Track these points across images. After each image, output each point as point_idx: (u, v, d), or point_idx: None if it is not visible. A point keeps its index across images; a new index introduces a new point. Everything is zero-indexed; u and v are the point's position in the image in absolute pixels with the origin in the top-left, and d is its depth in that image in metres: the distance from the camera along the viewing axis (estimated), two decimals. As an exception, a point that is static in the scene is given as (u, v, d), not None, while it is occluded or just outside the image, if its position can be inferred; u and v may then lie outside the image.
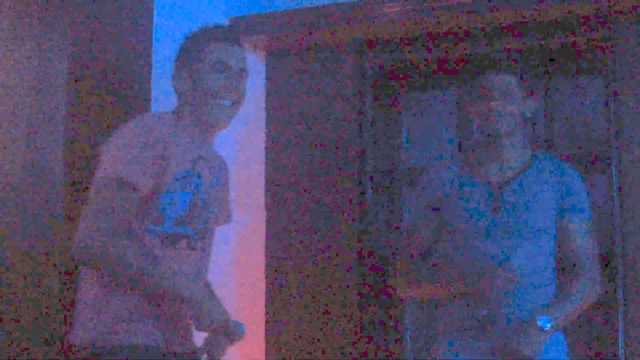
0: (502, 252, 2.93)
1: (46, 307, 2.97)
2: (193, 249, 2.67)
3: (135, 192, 2.51)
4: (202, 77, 2.68)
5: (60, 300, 2.96)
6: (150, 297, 2.56)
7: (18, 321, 2.99)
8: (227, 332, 2.59)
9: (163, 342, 2.59)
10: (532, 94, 3.07)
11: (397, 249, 3.24)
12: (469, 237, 3.00)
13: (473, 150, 3.14)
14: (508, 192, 3.02)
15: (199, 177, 2.66)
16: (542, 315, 2.87)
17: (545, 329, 2.86)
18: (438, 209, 3.08)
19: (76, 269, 2.65)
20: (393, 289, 3.31)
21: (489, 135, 3.03)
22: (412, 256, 3.12)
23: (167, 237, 2.60)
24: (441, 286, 3.03)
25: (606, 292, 3.29)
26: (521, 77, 3.02)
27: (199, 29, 2.76)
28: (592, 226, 3.07)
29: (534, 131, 3.94)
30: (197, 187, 2.65)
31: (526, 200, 3.00)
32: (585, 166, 3.84)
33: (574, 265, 3.01)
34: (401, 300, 3.98)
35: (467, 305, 2.98)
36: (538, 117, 3.87)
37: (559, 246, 3.03)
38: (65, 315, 2.90)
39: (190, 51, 2.72)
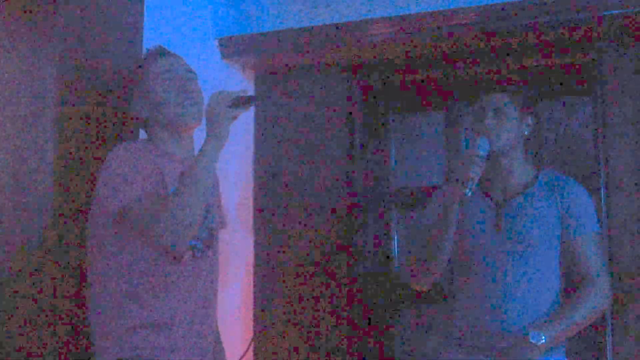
0: (506, 268, 2.95)
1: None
2: (199, 257, 2.70)
3: (155, 195, 2.59)
4: (156, 91, 2.77)
5: (54, 307, 2.95)
6: (172, 312, 2.61)
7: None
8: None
9: (184, 358, 2.63)
10: (530, 112, 3.09)
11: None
12: (471, 254, 3.03)
13: None
14: (510, 209, 3.04)
15: None
16: (535, 331, 2.87)
17: (539, 343, 2.85)
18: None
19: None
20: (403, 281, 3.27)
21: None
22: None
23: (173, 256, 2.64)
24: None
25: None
26: (518, 96, 3.05)
27: (135, 61, 2.92)
28: (600, 238, 3.08)
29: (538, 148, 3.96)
30: None
31: (528, 217, 3.01)
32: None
33: (582, 278, 3.00)
34: (392, 320, 3.98)
35: (468, 319, 3.01)
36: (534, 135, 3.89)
37: (565, 261, 3.03)
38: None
39: (137, 78, 2.83)
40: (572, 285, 3.04)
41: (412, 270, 3.10)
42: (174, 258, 2.63)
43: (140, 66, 2.85)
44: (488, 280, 2.98)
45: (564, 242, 3.02)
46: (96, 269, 2.68)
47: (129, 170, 2.60)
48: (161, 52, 2.86)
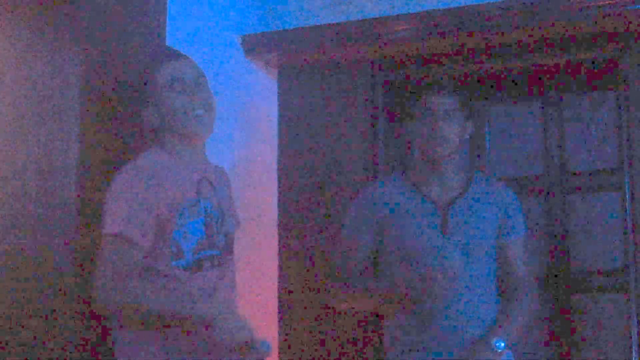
0: (451, 271, 2.90)
1: (59, 312, 2.97)
2: (218, 266, 2.70)
3: (137, 247, 2.55)
4: (165, 100, 2.71)
5: (73, 303, 2.97)
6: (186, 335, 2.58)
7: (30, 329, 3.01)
8: (254, 349, 2.56)
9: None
10: (471, 117, 3.12)
11: (333, 263, 3.21)
12: (418, 255, 2.99)
13: (415, 169, 3.14)
14: (454, 212, 3.04)
15: (204, 198, 2.69)
16: (496, 339, 2.87)
17: (500, 351, 2.87)
18: (377, 224, 3.08)
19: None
20: (327, 302, 3.29)
21: (430, 156, 3.05)
22: (349, 270, 3.10)
23: (191, 268, 2.64)
24: (380, 295, 3.00)
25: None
26: (463, 100, 3.06)
27: (142, 65, 2.82)
28: (526, 239, 3.11)
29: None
30: (206, 209, 2.68)
31: (472, 219, 3.03)
32: (598, 183, 3.85)
33: (514, 281, 3.04)
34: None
35: (413, 320, 2.98)
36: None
37: (498, 263, 3.06)
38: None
39: (145, 85, 2.75)
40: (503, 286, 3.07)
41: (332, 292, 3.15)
42: (197, 270, 2.63)
43: (147, 70, 2.77)
44: (437, 283, 2.87)
45: (499, 244, 3.05)
46: None
47: (128, 199, 2.57)
48: (168, 55, 2.79)
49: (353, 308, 3.37)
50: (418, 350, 2.98)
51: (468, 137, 3.13)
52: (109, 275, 2.51)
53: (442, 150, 3.02)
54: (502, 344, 2.87)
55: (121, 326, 2.64)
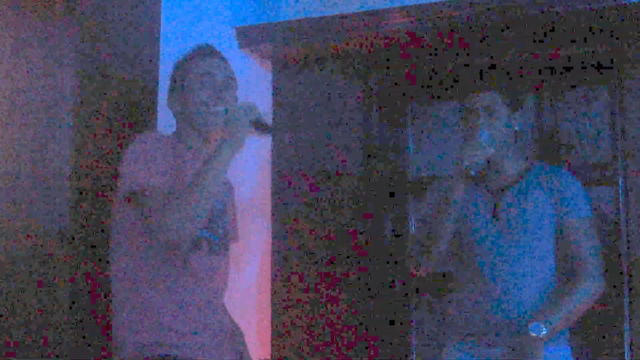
0: (505, 255, 2.99)
1: (55, 314, 2.98)
2: (216, 253, 2.73)
3: (164, 191, 2.58)
4: (192, 91, 2.77)
5: (70, 307, 2.97)
6: (198, 310, 2.63)
7: (25, 327, 3.01)
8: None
9: (209, 356, 2.65)
10: (518, 107, 3.13)
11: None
12: (471, 244, 3.06)
13: None
14: (507, 198, 3.07)
15: None
16: (533, 323, 2.86)
17: (540, 335, 2.85)
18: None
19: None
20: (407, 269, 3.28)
21: None
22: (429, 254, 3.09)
23: (191, 241, 2.66)
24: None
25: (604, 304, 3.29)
26: (506, 93, 3.09)
27: (186, 53, 2.86)
28: (592, 224, 3.07)
29: (535, 142, 3.96)
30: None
31: (524, 205, 3.05)
32: (592, 176, 3.86)
33: (575, 264, 3.01)
34: (408, 308, 3.99)
35: (475, 308, 3.02)
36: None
37: (559, 247, 3.05)
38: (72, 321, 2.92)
39: (178, 73, 2.83)
40: (566, 272, 3.03)
41: (412, 255, 3.13)
42: (194, 246, 2.64)
43: (183, 61, 2.85)
44: (488, 269, 3.01)
45: (558, 226, 3.04)
46: (117, 255, 2.69)
47: (150, 157, 2.61)
48: (207, 52, 2.85)
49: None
50: (473, 336, 3.02)
51: (517, 128, 3.13)
52: (165, 212, 2.51)
53: (490, 146, 3.01)
54: (544, 330, 2.84)
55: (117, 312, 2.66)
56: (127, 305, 2.64)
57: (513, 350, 2.90)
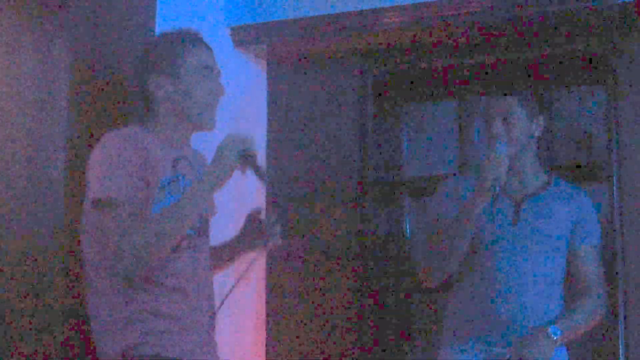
0: (520, 260, 2.99)
1: (49, 313, 2.98)
2: (194, 247, 2.66)
3: (132, 206, 2.49)
4: (191, 83, 2.67)
5: (62, 303, 2.97)
6: (180, 309, 2.57)
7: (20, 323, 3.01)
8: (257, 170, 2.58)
9: (191, 356, 2.58)
10: (540, 112, 3.08)
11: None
12: (489, 245, 3.03)
13: None
14: (529, 206, 3.06)
15: (184, 177, 2.65)
16: (553, 325, 2.91)
17: (555, 338, 2.89)
18: None
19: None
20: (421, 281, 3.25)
21: None
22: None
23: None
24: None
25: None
26: (526, 98, 3.04)
27: (168, 34, 2.75)
28: (600, 250, 3.11)
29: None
30: (185, 188, 2.63)
31: (545, 217, 3.04)
32: (586, 175, 3.86)
33: (583, 287, 3.05)
34: (405, 308, 3.99)
35: (480, 310, 3.01)
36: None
37: (568, 268, 3.07)
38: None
39: (168, 57, 2.69)
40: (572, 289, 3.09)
41: (428, 268, 3.09)
42: (174, 247, 2.57)
43: (172, 42, 2.71)
44: (500, 273, 3.00)
45: (570, 249, 3.06)
46: (89, 257, 2.61)
47: (117, 163, 2.51)
48: (200, 40, 2.74)
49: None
50: (475, 337, 3.01)
51: (538, 134, 3.08)
52: (122, 240, 2.44)
53: (509, 153, 2.97)
54: (558, 333, 2.89)
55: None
56: (105, 308, 2.56)
57: (522, 349, 2.89)
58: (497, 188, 2.88)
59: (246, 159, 2.54)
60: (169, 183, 2.60)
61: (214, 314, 2.74)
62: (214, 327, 2.76)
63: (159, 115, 2.69)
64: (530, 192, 3.08)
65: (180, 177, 2.64)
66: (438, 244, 3.03)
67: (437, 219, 3.12)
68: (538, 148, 3.14)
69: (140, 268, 2.47)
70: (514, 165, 3.03)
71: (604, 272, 3.12)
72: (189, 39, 2.73)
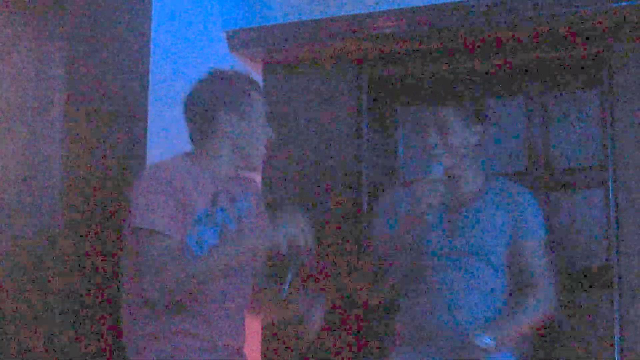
0: (456, 273, 2.98)
1: (47, 313, 2.98)
2: (229, 276, 2.71)
3: (170, 239, 2.59)
4: (256, 125, 2.81)
5: (61, 304, 2.97)
6: (208, 326, 2.64)
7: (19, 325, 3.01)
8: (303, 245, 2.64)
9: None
10: (478, 120, 3.05)
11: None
12: (429, 256, 3.02)
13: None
14: (462, 216, 3.04)
15: (223, 210, 2.73)
16: (480, 334, 2.86)
17: (486, 347, 2.84)
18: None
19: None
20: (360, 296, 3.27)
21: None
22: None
23: None
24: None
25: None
26: (462, 107, 3.01)
27: (239, 75, 2.87)
28: (546, 243, 3.09)
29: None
30: (224, 220, 2.73)
31: (479, 224, 3.03)
32: (582, 179, 3.86)
33: (528, 282, 3.03)
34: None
35: (424, 318, 3.01)
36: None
37: (512, 266, 3.05)
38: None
39: (242, 97, 2.81)
40: (518, 284, 3.06)
41: (368, 284, 3.11)
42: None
43: (243, 82, 2.84)
44: (438, 283, 2.98)
45: (513, 246, 3.04)
46: (125, 273, 2.71)
47: (155, 194, 2.62)
48: (259, 86, 2.92)
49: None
50: (420, 344, 3.01)
51: (478, 143, 3.06)
52: (152, 268, 2.55)
53: (442, 162, 2.97)
54: (487, 340, 2.85)
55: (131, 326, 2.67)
56: (136, 323, 2.65)
57: (453, 355, 2.89)
58: (430, 215, 2.88)
59: (292, 253, 2.61)
60: (206, 216, 2.69)
61: (243, 341, 2.83)
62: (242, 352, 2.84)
63: (216, 149, 2.79)
64: (466, 200, 3.06)
65: (217, 211, 2.72)
66: (377, 264, 3.04)
67: (377, 234, 3.14)
68: (476, 156, 3.10)
69: (167, 301, 2.58)
70: (452, 174, 3.01)
71: (550, 265, 3.07)
72: (253, 84, 2.87)
